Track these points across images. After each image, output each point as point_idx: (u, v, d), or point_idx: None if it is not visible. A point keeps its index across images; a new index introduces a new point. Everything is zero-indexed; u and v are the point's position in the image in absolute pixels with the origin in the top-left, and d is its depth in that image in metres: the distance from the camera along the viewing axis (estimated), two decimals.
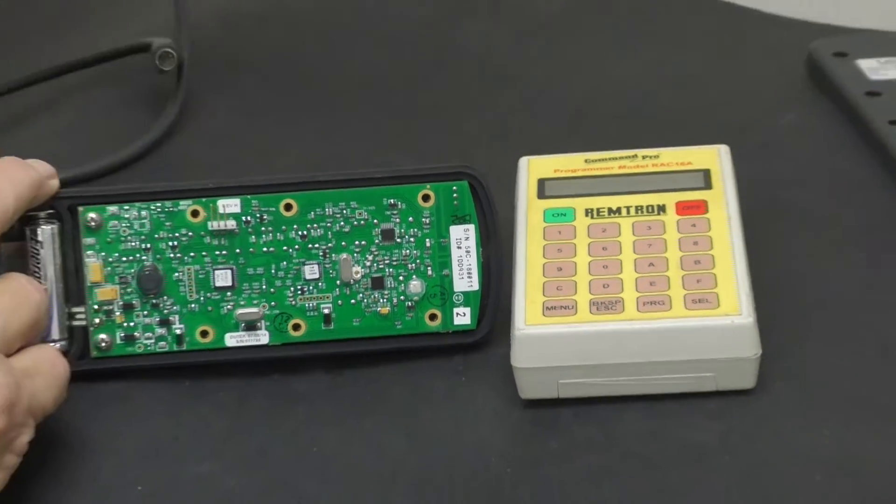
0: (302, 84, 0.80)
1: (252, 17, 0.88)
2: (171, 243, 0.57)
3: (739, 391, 0.54)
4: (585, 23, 0.85)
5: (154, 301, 0.58)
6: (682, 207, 0.58)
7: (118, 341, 0.58)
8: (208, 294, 0.58)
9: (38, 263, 0.56)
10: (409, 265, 0.58)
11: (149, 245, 0.57)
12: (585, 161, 0.61)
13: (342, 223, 0.57)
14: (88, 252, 0.57)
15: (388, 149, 0.73)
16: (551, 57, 0.80)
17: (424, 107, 0.76)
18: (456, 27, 0.85)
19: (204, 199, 0.57)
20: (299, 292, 0.58)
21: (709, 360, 0.53)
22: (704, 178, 0.60)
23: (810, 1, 0.85)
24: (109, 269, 0.57)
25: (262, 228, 0.57)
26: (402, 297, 0.58)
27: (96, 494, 0.53)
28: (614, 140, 0.64)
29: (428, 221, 0.57)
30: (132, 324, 0.58)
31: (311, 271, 0.58)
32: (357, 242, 0.57)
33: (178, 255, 0.58)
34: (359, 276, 0.57)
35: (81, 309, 0.57)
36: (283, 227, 0.57)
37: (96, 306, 0.57)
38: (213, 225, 0.57)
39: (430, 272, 0.57)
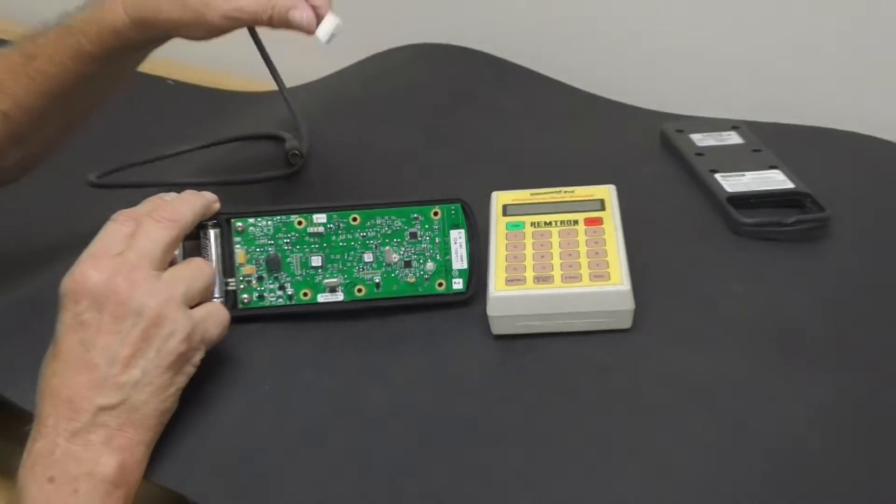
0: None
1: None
2: (285, 240, 0.65)
3: (622, 330, 0.62)
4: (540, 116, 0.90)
5: (276, 275, 0.65)
6: (588, 221, 0.66)
7: (254, 299, 0.65)
8: (307, 270, 0.65)
9: (207, 252, 0.64)
10: (426, 254, 0.65)
11: (272, 241, 0.65)
12: (531, 194, 0.69)
13: (386, 228, 0.65)
14: (237, 246, 0.65)
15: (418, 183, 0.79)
16: (513, 140, 0.85)
17: (439, 167, 0.82)
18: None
19: (305, 214, 0.65)
20: (361, 269, 0.65)
21: (604, 311, 0.61)
22: (601, 204, 0.67)
23: (664, 98, 0.91)
24: (249, 255, 0.65)
25: (339, 232, 0.64)
26: (422, 273, 0.65)
27: (242, 390, 0.61)
28: (545, 183, 0.71)
29: (437, 228, 0.65)
30: (262, 288, 0.65)
31: (368, 257, 0.65)
32: (395, 240, 0.65)
33: (290, 247, 0.65)
34: (396, 260, 0.65)
35: (232, 280, 0.64)
36: (351, 231, 0.64)
37: (241, 278, 0.65)
38: (311, 230, 0.65)
39: (438, 257, 0.65)
